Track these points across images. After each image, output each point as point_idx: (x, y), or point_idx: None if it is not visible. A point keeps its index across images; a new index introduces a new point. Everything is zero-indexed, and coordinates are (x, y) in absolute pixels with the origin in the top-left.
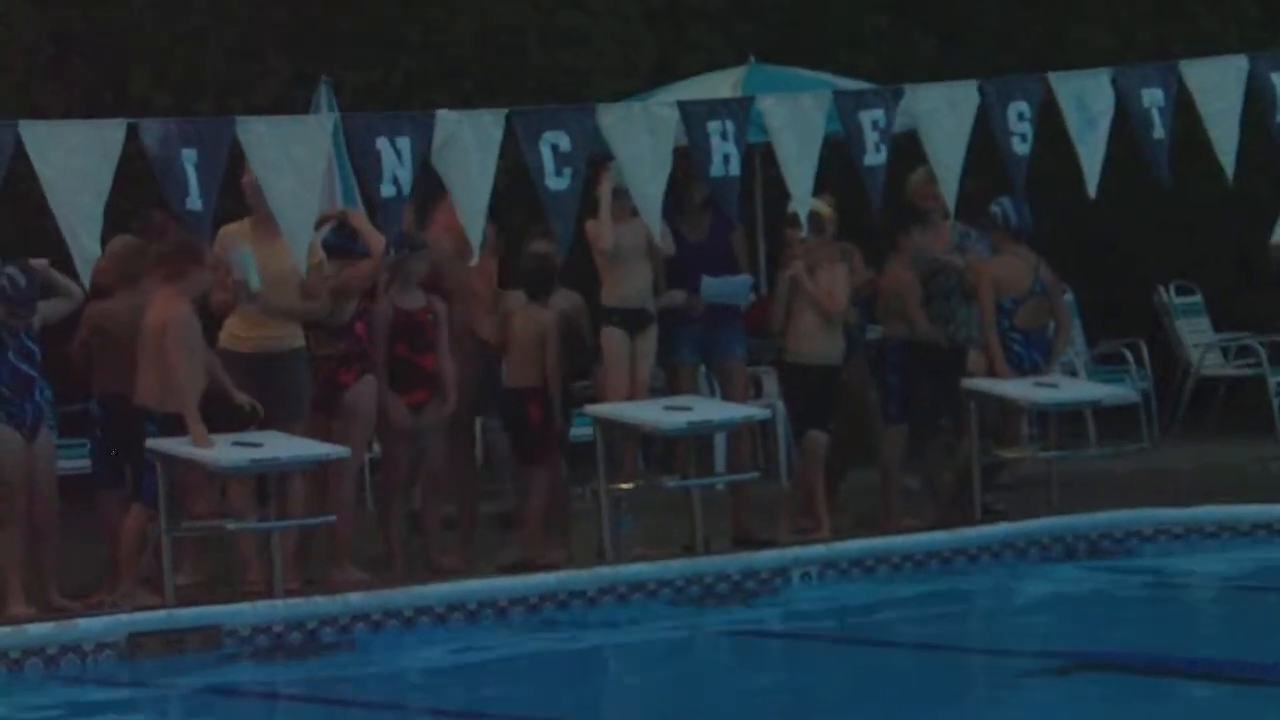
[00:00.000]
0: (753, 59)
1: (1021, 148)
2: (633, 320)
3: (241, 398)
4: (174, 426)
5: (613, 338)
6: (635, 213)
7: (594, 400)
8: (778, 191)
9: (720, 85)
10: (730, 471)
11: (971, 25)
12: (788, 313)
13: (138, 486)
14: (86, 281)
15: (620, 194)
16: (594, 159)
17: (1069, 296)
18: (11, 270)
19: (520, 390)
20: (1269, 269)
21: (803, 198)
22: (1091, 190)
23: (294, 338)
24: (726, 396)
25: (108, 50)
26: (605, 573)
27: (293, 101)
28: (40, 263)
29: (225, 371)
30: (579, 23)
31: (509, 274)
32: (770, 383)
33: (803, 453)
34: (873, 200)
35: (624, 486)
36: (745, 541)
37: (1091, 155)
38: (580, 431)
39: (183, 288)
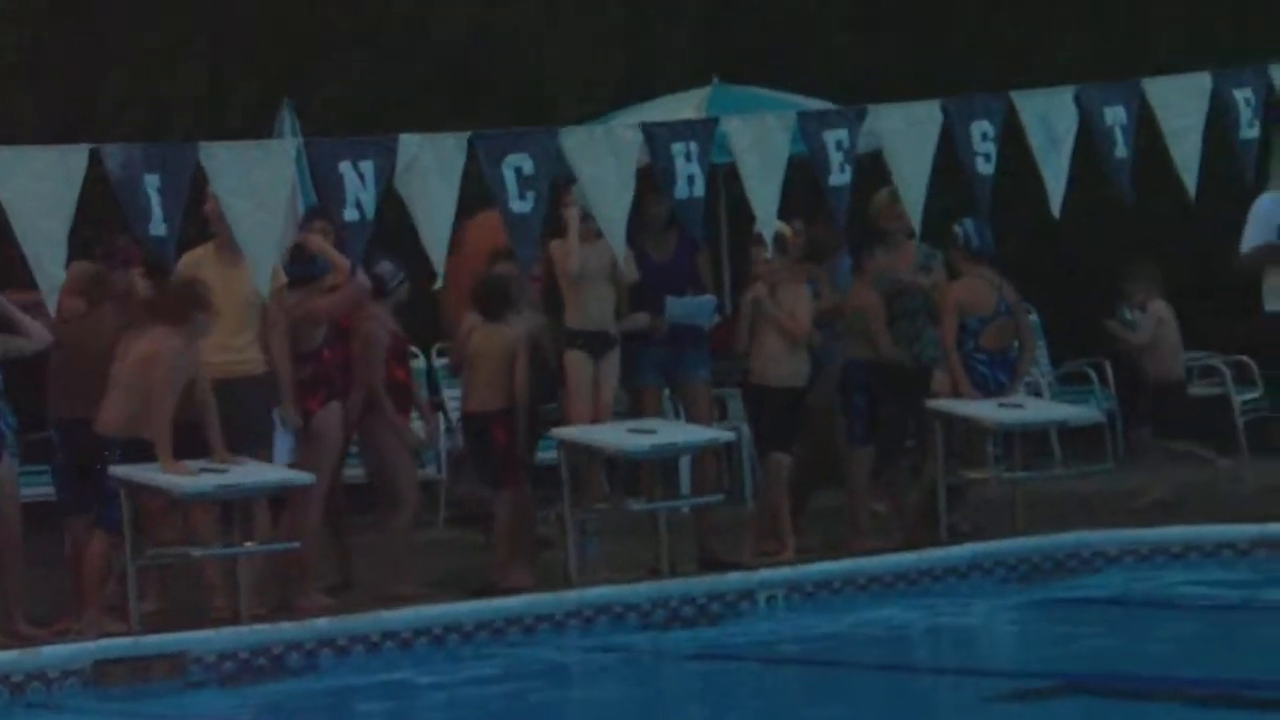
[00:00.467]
0: (716, 80)
1: (985, 168)
2: (596, 343)
3: (222, 455)
4: (137, 453)
5: (576, 360)
6: (599, 235)
7: (560, 423)
8: (742, 212)
9: (684, 106)
10: (695, 494)
11: (941, 43)
12: (752, 334)
13: (101, 513)
14: (53, 307)
15: (584, 216)
16: (556, 181)
17: (1033, 316)
18: None
19: (484, 414)
20: (1233, 278)
21: (767, 219)
22: (1056, 209)
23: (256, 363)
24: (691, 419)
25: (76, 71)
26: (571, 597)
27: (261, 123)
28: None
29: (213, 417)
30: (545, 44)
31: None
32: (735, 405)
33: (767, 475)
34: (838, 221)
35: (591, 509)
36: (710, 564)
37: (1055, 174)
38: (546, 455)
39: (183, 331)
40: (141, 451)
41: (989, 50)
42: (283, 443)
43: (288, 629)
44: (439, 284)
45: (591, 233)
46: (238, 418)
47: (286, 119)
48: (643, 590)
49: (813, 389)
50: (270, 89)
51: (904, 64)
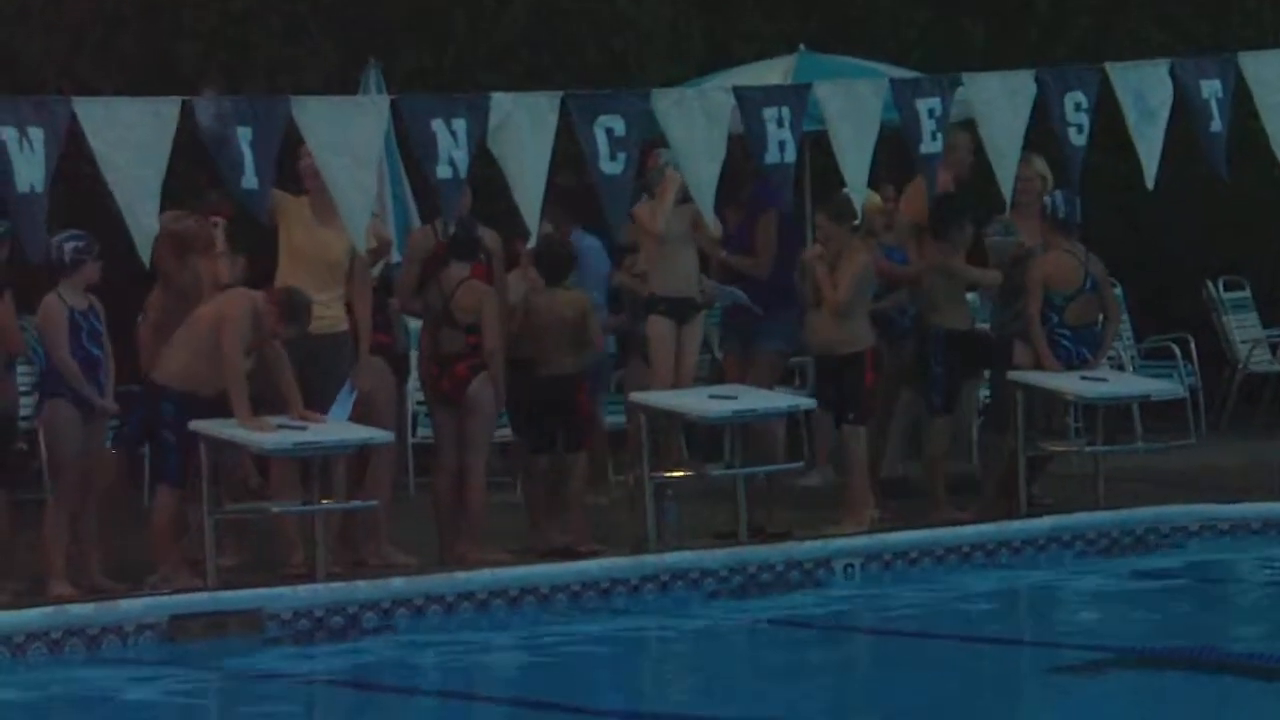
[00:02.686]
0: (803, 47)
1: (1079, 139)
2: (679, 308)
3: (299, 412)
4: (191, 406)
5: (658, 325)
6: (683, 199)
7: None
8: (827, 180)
9: (771, 73)
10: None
11: (1021, 15)
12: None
13: (157, 467)
14: (146, 258)
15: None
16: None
17: (1117, 290)
18: (60, 238)
19: (560, 378)
20: None
21: (858, 185)
22: (1150, 182)
23: (338, 320)
24: (752, 385)
25: (156, 31)
26: (648, 561)
27: (342, 84)
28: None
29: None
30: (629, 9)
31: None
32: (813, 373)
33: (842, 444)
34: (929, 189)
35: (670, 475)
36: (775, 533)
37: (1150, 147)
38: (614, 419)
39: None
40: (197, 407)
41: (1067, 27)
42: (344, 403)
43: (364, 588)
44: (532, 243)
45: (676, 196)
46: (315, 374)
47: (372, 78)
48: (720, 556)
49: (894, 351)
50: (351, 54)
51: (983, 38)
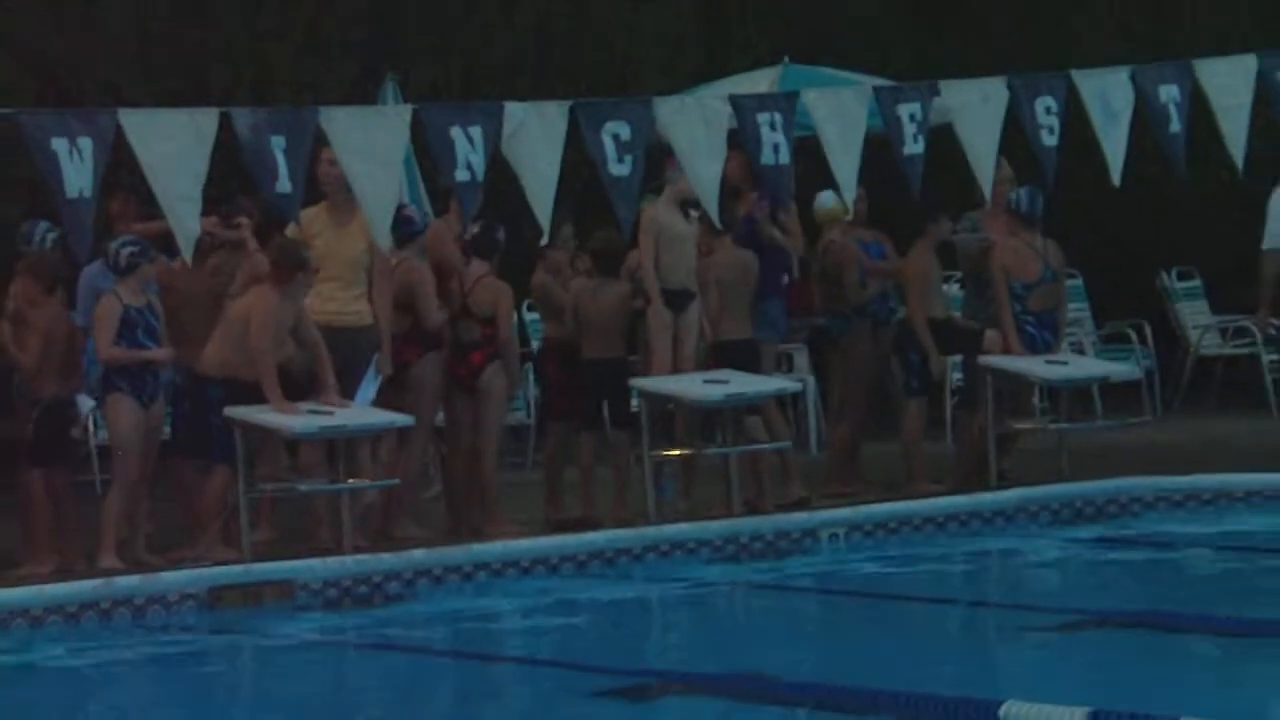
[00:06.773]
0: (786, 59)
1: (1049, 140)
2: (676, 300)
3: (329, 397)
4: (236, 392)
5: (661, 316)
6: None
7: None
8: (809, 184)
9: (758, 84)
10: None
11: (985, 32)
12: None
13: (217, 450)
14: (189, 256)
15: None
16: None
17: (1077, 281)
18: (117, 244)
19: (605, 361)
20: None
21: (848, 185)
22: (1116, 179)
23: (362, 315)
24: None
25: (187, 46)
26: (649, 532)
27: (360, 99)
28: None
29: (323, 354)
30: (628, 23)
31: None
32: (801, 358)
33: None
34: (912, 187)
35: (668, 454)
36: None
37: (1115, 147)
38: None
39: (283, 289)
40: (240, 391)
41: (1027, 41)
42: (368, 386)
43: (387, 559)
44: (544, 240)
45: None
46: (338, 363)
47: (390, 92)
48: (714, 527)
49: (874, 340)
50: (368, 69)
51: (950, 51)
